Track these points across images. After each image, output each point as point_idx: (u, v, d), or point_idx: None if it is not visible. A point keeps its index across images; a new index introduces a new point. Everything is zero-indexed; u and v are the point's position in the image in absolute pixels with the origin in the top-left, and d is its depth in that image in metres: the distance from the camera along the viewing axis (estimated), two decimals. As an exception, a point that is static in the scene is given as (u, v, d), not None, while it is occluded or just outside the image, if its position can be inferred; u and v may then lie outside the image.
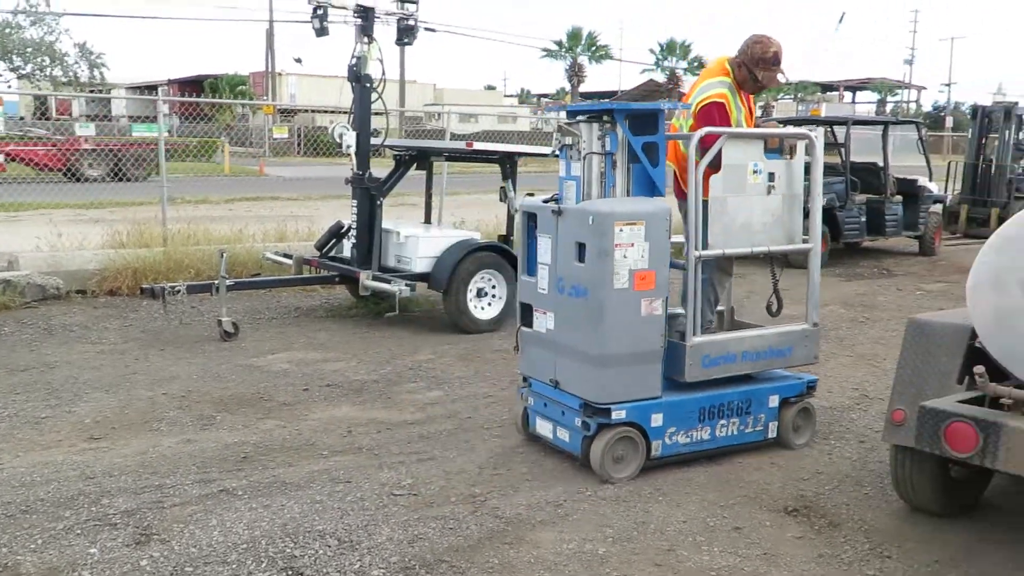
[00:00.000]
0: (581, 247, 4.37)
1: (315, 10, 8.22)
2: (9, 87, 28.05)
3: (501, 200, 8.51)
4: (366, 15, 8.23)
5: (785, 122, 14.79)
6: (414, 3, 8.72)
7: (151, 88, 50.98)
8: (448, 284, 7.58)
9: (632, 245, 4.30)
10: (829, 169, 12.98)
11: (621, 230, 4.27)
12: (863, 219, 12.31)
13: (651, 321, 4.41)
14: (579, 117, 4.60)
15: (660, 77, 52.35)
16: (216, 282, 7.44)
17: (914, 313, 4.47)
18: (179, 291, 7.36)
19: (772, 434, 4.95)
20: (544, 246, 4.63)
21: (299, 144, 34.96)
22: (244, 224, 11.02)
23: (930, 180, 13.30)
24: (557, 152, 4.74)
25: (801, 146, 4.90)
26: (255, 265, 9.22)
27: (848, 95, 67.87)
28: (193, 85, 50.40)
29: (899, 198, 12.68)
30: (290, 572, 3.51)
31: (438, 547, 3.77)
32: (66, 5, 51.23)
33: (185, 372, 6.37)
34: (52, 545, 3.69)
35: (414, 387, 6.14)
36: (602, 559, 3.71)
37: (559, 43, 49.33)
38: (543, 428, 4.83)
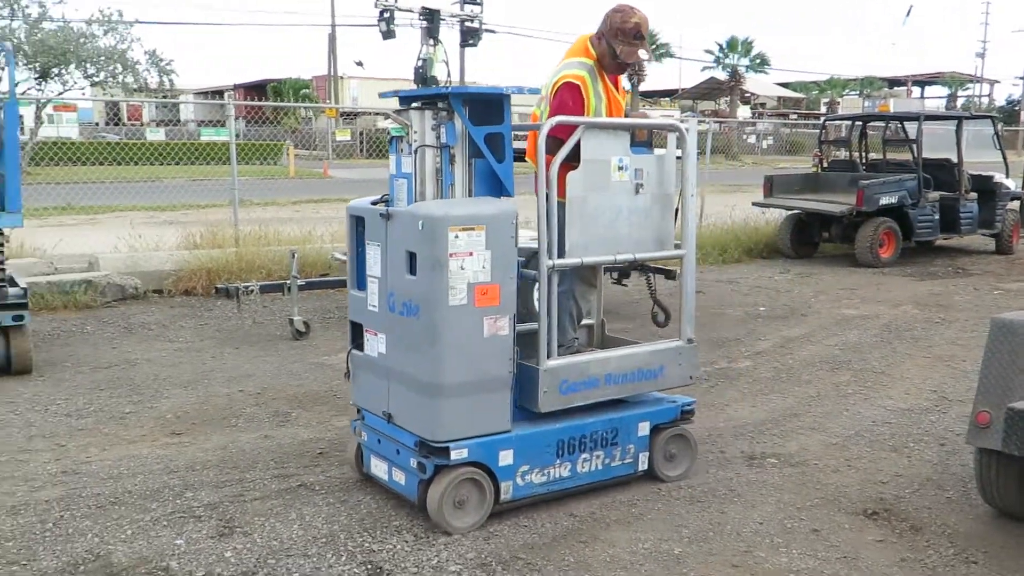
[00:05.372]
0: (412, 257, 3.74)
1: (381, 13, 8.29)
2: (84, 94, 28.90)
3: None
4: (431, 17, 8.29)
5: (853, 119, 14.53)
6: (478, 4, 8.76)
7: (218, 93, 52.10)
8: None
9: (471, 254, 3.68)
10: (900, 166, 12.74)
11: (457, 236, 3.64)
12: (936, 217, 12.06)
13: (496, 343, 3.78)
14: (415, 104, 3.89)
15: (721, 75, 51.72)
16: (288, 282, 7.58)
17: (992, 313, 4.34)
18: (252, 291, 7.52)
19: (643, 466, 4.37)
20: (373, 255, 3.99)
21: (362, 146, 35.39)
22: (312, 225, 11.21)
23: (1007, 176, 12.94)
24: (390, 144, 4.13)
25: (672, 139, 4.31)
26: (324, 265, 9.37)
27: (916, 90, 66.26)
28: (258, 90, 51.43)
29: (974, 195, 12.36)
30: (369, 566, 3.57)
31: (513, 544, 3.79)
32: (137, 14, 52.63)
33: (260, 370, 6.51)
34: (141, 536, 3.81)
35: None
36: (678, 559, 3.69)
37: (619, 42, 48.98)
38: (378, 468, 4.20)
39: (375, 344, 4.05)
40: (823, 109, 55.64)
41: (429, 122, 3.83)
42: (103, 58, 26.10)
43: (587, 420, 4.17)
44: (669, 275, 8.56)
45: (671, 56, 51.56)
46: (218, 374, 6.39)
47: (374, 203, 4.02)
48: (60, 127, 34.25)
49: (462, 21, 8.85)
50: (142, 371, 6.43)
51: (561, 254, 3.95)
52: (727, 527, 3.98)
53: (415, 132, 3.85)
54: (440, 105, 3.83)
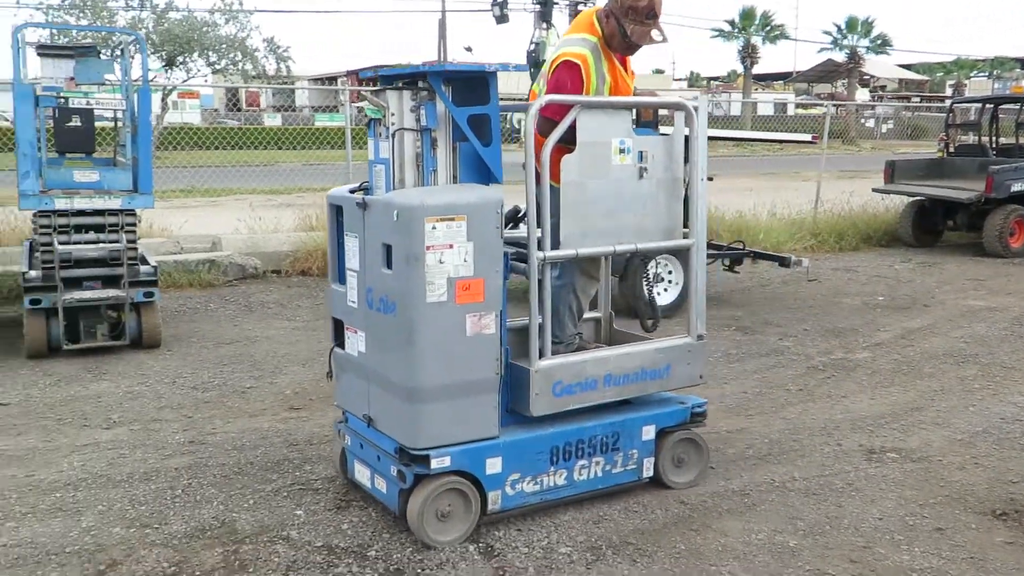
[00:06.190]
0: (388, 249, 3.46)
1: (495, -2, 8.37)
2: (206, 81, 30.12)
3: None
4: (545, 1, 8.32)
5: (983, 100, 13.82)
6: (592, -13, 8.71)
7: (331, 79, 53.42)
8: (624, 269, 7.53)
9: (450, 247, 3.38)
10: (1035, 151, 12.06)
11: (434, 227, 3.34)
12: (1077, 205, 11.39)
13: (480, 342, 3.48)
14: (398, 84, 3.60)
15: (839, 56, 49.95)
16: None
17: None
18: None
19: (648, 473, 4.07)
20: (352, 247, 3.72)
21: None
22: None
23: None
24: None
25: (679, 118, 3.95)
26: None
27: (1052, 71, 62.53)
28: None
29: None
30: (481, 545, 3.61)
31: (623, 529, 3.78)
32: (256, 2, 54.50)
33: (373, 349, 6.66)
34: (263, 505, 3.97)
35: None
36: (793, 552, 3.61)
37: (732, 23, 47.90)
38: (361, 474, 3.96)
39: (355, 342, 3.79)
40: (948, 92, 53.16)
41: (408, 103, 3.52)
42: (224, 46, 27.14)
43: (585, 424, 3.87)
44: (783, 262, 8.41)
45: (786, 38, 50.04)
46: (333, 352, 6.57)
47: (353, 191, 3.76)
48: (184, 113, 35.80)
49: (575, 4, 8.87)
50: (262, 348, 6.68)
51: (555, 245, 3.69)
52: (844, 521, 3.87)
53: (392, 114, 3.53)
54: (420, 85, 3.54)
